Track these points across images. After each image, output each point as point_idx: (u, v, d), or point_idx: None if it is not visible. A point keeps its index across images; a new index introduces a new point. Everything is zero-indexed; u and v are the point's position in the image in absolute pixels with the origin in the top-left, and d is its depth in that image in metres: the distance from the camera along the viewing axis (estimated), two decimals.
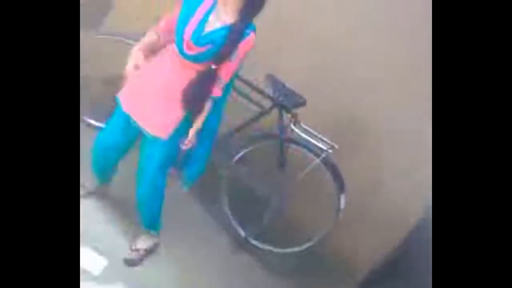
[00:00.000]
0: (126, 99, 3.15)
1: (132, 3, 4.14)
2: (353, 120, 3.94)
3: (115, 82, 3.31)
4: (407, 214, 3.84)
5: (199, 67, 2.92)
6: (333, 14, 3.90)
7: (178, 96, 2.96)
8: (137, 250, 3.46)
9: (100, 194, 3.65)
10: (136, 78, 3.10)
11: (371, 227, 3.97)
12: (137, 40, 3.49)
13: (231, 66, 2.94)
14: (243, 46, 2.88)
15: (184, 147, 3.11)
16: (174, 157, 3.26)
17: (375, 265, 3.94)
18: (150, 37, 3.08)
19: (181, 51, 2.91)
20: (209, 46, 2.86)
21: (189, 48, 2.88)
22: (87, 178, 3.53)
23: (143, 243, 3.49)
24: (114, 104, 3.23)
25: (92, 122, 4.00)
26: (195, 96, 2.95)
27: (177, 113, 3.04)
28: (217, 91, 2.99)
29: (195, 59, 2.90)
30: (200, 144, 3.21)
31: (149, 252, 3.51)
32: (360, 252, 4.01)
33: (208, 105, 3.02)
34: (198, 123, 3.06)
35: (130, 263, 3.43)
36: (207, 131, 3.19)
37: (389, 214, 3.90)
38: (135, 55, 3.02)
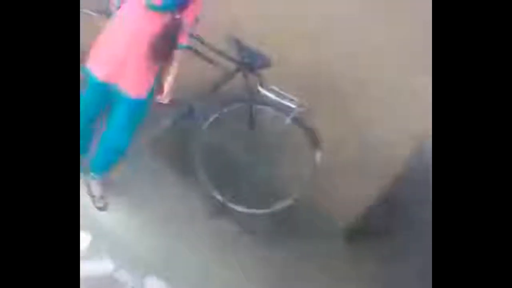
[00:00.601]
0: (99, 66, 3.15)
1: None
2: (327, 78, 3.92)
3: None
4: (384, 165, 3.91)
5: (165, 17, 3.02)
6: None
7: (149, 50, 3.05)
8: (102, 197, 3.54)
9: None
10: (104, 42, 3.16)
11: (348, 180, 4.00)
12: (97, 11, 3.47)
13: (194, 9, 3.09)
14: None
15: (162, 101, 3.26)
16: (144, 115, 3.33)
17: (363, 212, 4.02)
18: None
19: (149, 3, 2.98)
20: None
21: None
22: None
23: (100, 189, 3.54)
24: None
25: None
26: (163, 47, 3.06)
27: (151, 70, 3.14)
28: (184, 39, 3.16)
29: (163, 8, 3.00)
30: None
31: None
32: (341, 204, 4.02)
33: (178, 55, 3.17)
34: (172, 75, 3.21)
35: (103, 209, 3.53)
36: None
37: (366, 166, 3.97)
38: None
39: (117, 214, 3.58)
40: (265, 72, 3.66)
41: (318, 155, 3.78)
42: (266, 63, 3.65)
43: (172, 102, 3.68)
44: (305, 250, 3.88)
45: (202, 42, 3.61)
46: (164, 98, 3.27)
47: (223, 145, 3.91)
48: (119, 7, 3.18)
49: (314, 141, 3.75)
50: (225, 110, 3.79)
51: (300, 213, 3.98)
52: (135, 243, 3.48)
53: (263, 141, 3.81)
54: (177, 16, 3.03)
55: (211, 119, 3.81)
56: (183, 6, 3.03)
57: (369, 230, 3.93)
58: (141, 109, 3.27)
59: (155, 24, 3.02)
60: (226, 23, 3.73)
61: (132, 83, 3.15)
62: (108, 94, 3.20)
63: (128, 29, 3.09)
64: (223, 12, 3.64)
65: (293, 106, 3.63)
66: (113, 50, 3.12)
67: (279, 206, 3.94)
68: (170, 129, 3.89)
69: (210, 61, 3.70)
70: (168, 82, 3.23)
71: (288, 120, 3.66)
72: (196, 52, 3.62)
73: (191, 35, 3.32)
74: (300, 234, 3.99)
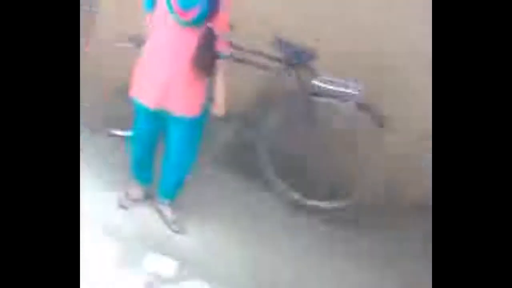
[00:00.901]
0: (146, 94, 3.16)
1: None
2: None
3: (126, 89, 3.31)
4: None
5: (199, 30, 3.00)
6: None
7: (192, 66, 3.03)
8: (175, 222, 3.51)
9: (148, 198, 3.63)
10: (143, 69, 3.16)
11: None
12: (136, 42, 3.50)
13: (224, 16, 3.05)
14: None
15: (219, 114, 3.21)
16: (202, 132, 3.33)
17: None
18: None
19: (179, 21, 2.99)
20: (199, 7, 2.95)
21: (183, 15, 2.97)
22: (130, 188, 3.58)
23: (172, 213, 3.52)
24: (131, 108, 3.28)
25: (119, 133, 4.06)
26: (204, 58, 3.03)
27: (200, 86, 3.12)
28: (223, 47, 3.10)
29: (194, 23, 2.99)
30: None
31: None
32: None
33: (222, 65, 3.11)
34: (221, 86, 3.15)
35: (180, 232, 3.50)
36: None
37: None
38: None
39: (196, 234, 3.55)
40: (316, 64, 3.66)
41: (385, 136, 3.74)
42: (312, 56, 3.64)
43: (229, 113, 3.70)
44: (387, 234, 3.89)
45: (242, 49, 3.62)
46: (219, 110, 3.23)
47: (289, 144, 3.89)
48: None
49: (379, 119, 3.70)
50: (284, 110, 3.79)
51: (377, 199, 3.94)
52: (222, 260, 3.45)
53: (329, 131, 3.79)
54: (209, 25, 3.00)
55: (271, 123, 3.81)
56: (212, 14, 2.99)
57: None
58: (198, 127, 3.27)
59: (191, 38, 3.00)
60: (263, 24, 3.73)
61: (183, 103, 3.14)
62: (161, 120, 3.21)
63: (166, 50, 3.07)
64: (261, 14, 3.63)
65: (349, 91, 3.60)
66: (156, 75, 3.10)
67: (356, 195, 3.90)
68: (233, 140, 3.91)
69: (258, 65, 3.71)
70: (219, 94, 3.18)
71: (348, 106, 3.63)
72: (240, 60, 3.62)
73: (231, 44, 3.29)
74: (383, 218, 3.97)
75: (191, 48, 3.01)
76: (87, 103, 3.87)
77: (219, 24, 3.03)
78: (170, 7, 2.96)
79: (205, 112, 3.22)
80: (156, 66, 3.10)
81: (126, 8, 3.60)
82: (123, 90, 3.44)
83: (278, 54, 3.69)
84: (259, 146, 3.87)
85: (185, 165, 3.40)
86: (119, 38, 3.75)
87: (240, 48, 3.62)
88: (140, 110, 3.22)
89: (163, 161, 3.41)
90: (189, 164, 3.40)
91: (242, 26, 3.38)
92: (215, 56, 3.07)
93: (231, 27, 3.19)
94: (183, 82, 3.09)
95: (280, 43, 3.67)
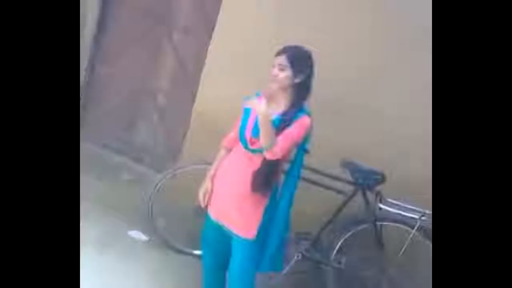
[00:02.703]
0: (212, 206, 3.28)
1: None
2: None
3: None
4: None
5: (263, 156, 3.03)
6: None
7: (252, 190, 3.05)
8: None
9: None
10: (216, 185, 3.27)
11: None
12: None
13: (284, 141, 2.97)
14: (296, 126, 2.96)
15: None
16: (259, 255, 3.24)
17: None
18: (220, 155, 3.33)
19: (248, 148, 3.08)
20: None
21: (252, 143, 3.06)
22: None
23: None
24: None
25: (195, 252, 4.17)
26: (265, 179, 3.03)
27: (258, 208, 3.11)
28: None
29: (260, 150, 3.01)
30: (273, 232, 3.20)
31: None
32: None
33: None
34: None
35: None
36: (279, 218, 3.19)
37: None
38: (206, 184, 3.31)
39: None
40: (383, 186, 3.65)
41: None
42: (381, 179, 3.64)
43: (297, 234, 3.74)
44: None
45: (311, 169, 3.68)
46: None
47: (355, 270, 3.81)
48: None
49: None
50: (350, 234, 3.74)
51: None
52: None
53: (394, 258, 3.65)
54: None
55: (338, 246, 3.77)
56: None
57: None
58: (254, 249, 3.19)
59: (255, 161, 3.06)
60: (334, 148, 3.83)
61: (240, 223, 3.14)
62: (225, 234, 3.22)
63: (232, 170, 3.18)
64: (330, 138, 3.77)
65: (416, 216, 3.51)
66: (220, 190, 3.22)
67: None
68: (299, 262, 3.85)
69: (326, 187, 3.77)
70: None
71: (414, 232, 3.53)
72: (310, 181, 3.70)
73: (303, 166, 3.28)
74: None
75: (254, 169, 3.06)
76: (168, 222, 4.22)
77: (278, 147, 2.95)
78: (242, 135, 3.11)
79: (260, 235, 3.15)
80: (221, 183, 3.23)
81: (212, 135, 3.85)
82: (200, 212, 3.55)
83: (347, 176, 3.74)
84: (326, 267, 3.81)
85: (247, 281, 3.30)
86: (199, 161, 4.00)
87: (311, 169, 3.69)
88: (207, 220, 3.32)
89: (228, 279, 3.33)
90: (250, 282, 3.30)
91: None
92: (276, 176, 3.09)
93: (307, 151, 3.20)
94: (241, 201, 3.11)
95: (349, 165, 3.73)
